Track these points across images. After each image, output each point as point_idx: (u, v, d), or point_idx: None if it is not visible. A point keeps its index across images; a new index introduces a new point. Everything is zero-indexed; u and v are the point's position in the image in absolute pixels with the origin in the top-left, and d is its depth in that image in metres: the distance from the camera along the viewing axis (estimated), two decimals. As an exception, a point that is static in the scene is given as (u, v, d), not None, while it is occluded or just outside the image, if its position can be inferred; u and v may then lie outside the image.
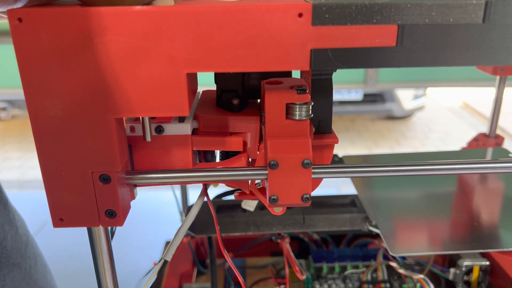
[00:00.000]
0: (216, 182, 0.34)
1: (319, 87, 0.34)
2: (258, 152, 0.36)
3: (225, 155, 0.38)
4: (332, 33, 0.26)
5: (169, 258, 0.37)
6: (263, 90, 0.33)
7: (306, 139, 0.31)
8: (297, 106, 0.31)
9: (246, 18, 0.26)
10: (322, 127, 0.35)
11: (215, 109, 0.36)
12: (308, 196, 0.32)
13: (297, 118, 0.31)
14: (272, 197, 0.32)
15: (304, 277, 0.54)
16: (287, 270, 0.56)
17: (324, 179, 0.35)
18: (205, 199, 0.39)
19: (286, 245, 0.58)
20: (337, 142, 0.35)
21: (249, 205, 0.54)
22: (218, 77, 0.37)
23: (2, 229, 0.44)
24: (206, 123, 0.35)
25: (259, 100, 0.38)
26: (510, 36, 0.27)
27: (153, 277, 0.38)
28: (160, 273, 0.63)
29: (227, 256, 0.40)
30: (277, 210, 0.35)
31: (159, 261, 0.38)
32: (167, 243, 0.72)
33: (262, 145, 0.35)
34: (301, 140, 0.31)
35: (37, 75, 0.26)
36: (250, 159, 0.37)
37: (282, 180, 0.31)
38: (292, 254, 0.57)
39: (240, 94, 0.37)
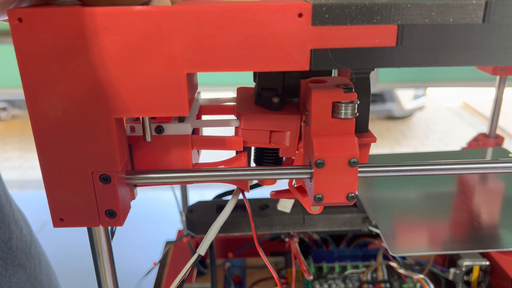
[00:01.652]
0: (222, 182, 0.34)
1: (357, 86, 0.34)
2: (297, 151, 0.36)
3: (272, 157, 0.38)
4: (332, 33, 0.26)
5: (202, 252, 0.38)
6: (308, 88, 0.33)
7: (352, 138, 0.31)
8: (343, 105, 0.31)
9: (246, 18, 0.26)
10: (359, 126, 0.35)
11: (255, 107, 0.37)
12: (353, 194, 0.32)
13: (342, 116, 0.31)
14: (317, 196, 0.31)
15: (311, 277, 0.54)
16: (294, 270, 0.56)
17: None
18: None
19: (295, 244, 0.57)
20: (374, 141, 0.35)
21: (285, 206, 0.53)
22: (259, 75, 0.37)
23: (8, 229, 0.44)
24: (247, 121, 0.35)
25: (295, 99, 0.38)
26: (510, 36, 0.27)
27: (185, 273, 0.38)
28: (160, 274, 0.63)
29: (264, 256, 0.40)
30: (315, 209, 0.35)
31: (194, 255, 0.38)
32: (167, 243, 0.72)
33: (301, 144, 0.35)
34: (348, 139, 0.31)
35: (37, 75, 0.26)
36: (284, 158, 0.37)
37: (328, 179, 0.31)
38: (300, 253, 0.56)
39: (280, 92, 0.37)
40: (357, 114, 0.32)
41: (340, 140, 0.31)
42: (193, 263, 0.38)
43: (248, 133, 0.35)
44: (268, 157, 0.38)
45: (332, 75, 0.37)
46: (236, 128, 0.36)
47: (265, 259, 0.41)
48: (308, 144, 0.33)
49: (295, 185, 0.37)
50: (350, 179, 0.31)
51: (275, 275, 0.43)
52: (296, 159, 0.36)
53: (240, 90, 0.41)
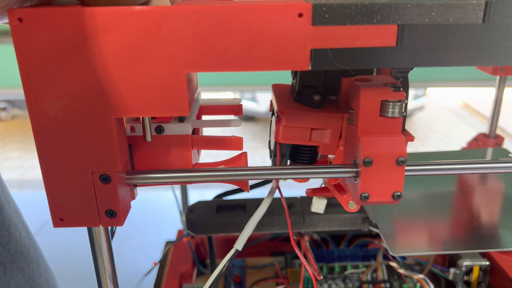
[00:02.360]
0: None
1: None
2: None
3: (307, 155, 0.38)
4: (332, 33, 0.26)
5: (240, 247, 0.40)
6: (355, 87, 0.33)
7: (400, 137, 0.31)
8: (392, 104, 0.31)
9: (246, 18, 0.26)
10: None
11: (295, 105, 0.37)
12: (399, 193, 0.32)
13: (390, 115, 0.31)
14: (364, 195, 0.32)
15: (321, 277, 0.54)
16: (303, 269, 0.55)
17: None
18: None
19: (306, 243, 0.57)
20: (412, 140, 0.35)
21: (318, 208, 0.54)
22: (301, 73, 0.37)
23: (8, 231, 0.43)
24: (289, 118, 0.35)
25: (333, 97, 0.38)
26: (510, 36, 0.27)
27: (223, 268, 0.40)
28: (160, 274, 0.63)
29: (300, 254, 0.40)
30: (352, 207, 0.35)
31: (231, 250, 0.40)
32: (167, 243, 0.72)
33: (341, 142, 0.35)
34: (396, 138, 0.31)
35: (37, 75, 0.26)
36: (319, 156, 0.37)
37: (375, 177, 0.31)
38: (311, 253, 0.56)
39: (321, 90, 0.37)
40: (404, 113, 0.32)
41: (388, 139, 0.31)
42: (230, 257, 0.40)
43: (289, 130, 0.36)
44: (304, 155, 0.38)
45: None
46: (277, 125, 0.36)
47: (301, 257, 0.42)
48: (353, 142, 0.33)
49: (324, 185, 0.37)
50: (397, 178, 0.31)
51: (310, 270, 0.44)
52: (336, 157, 0.36)
53: (276, 87, 0.41)
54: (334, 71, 0.37)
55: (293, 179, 0.35)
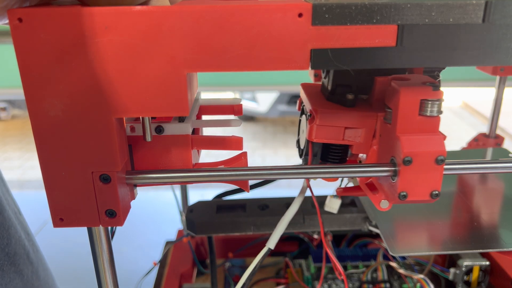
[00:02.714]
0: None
1: None
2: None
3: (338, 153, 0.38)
4: (332, 33, 0.26)
5: (272, 246, 0.40)
6: (392, 86, 0.33)
7: (440, 136, 0.32)
8: (431, 103, 0.31)
9: (246, 18, 0.26)
10: None
11: (329, 104, 0.37)
12: (437, 192, 0.32)
13: (428, 114, 0.31)
14: (402, 194, 0.32)
15: (342, 277, 0.54)
16: (323, 268, 0.55)
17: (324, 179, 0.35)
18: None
19: (328, 243, 0.58)
20: (445, 139, 0.36)
21: (332, 207, 0.54)
22: (335, 72, 0.37)
23: (7, 233, 0.43)
24: (323, 117, 0.35)
25: (365, 96, 0.38)
26: (510, 36, 0.27)
27: (256, 266, 0.40)
28: (160, 274, 0.63)
29: (330, 252, 0.40)
30: (384, 206, 0.35)
31: (263, 249, 0.40)
32: (167, 243, 0.72)
33: (375, 141, 0.35)
34: (435, 137, 0.32)
35: (37, 75, 0.26)
36: (350, 153, 0.37)
37: (414, 176, 0.31)
38: (333, 252, 0.56)
39: (354, 89, 0.37)
40: (442, 112, 0.32)
41: (428, 137, 0.32)
42: (262, 256, 0.40)
43: (323, 129, 0.36)
44: (335, 154, 0.38)
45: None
46: (310, 124, 0.36)
47: (330, 255, 0.42)
48: (390, 141, 0.33)
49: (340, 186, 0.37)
50: (436, 177, 0.31)
51: (340, 267, 0.44)
52: (368, 156, 0.36)
53: (306, 87, 0.41)
54: (367, 70, 0.37)
55: (324, 178, 0.35)
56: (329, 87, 0.37)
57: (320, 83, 0.41)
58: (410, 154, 0.31)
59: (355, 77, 0.37)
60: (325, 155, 0.38)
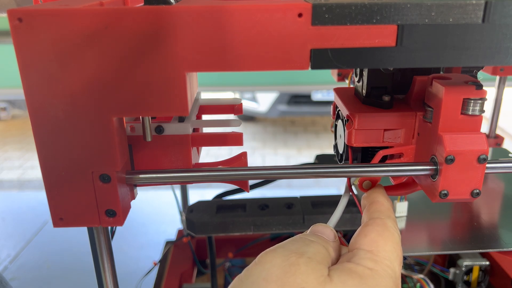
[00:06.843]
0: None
1: None
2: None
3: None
4: (332, 33, 0.26)
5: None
6: (434, 85, 0.33)
7: (482, 134, 0.32)
8: (473, 102, 0.31)
9: (246, 18, 0.26)
10: None
11: (365, 107, 0.37)
12: (478, 191, 0.32)
13: (470, 113, 0.31)
14: (443, 192, 0.32)
15: None
16: None
17: (325, 179, 0.35)
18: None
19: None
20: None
21: (401, 211, 0.53)
22: (369, 75, 0.37)
23: None
24: (361, 121, 0.35)
25: (401, 96, 0.38)
26: (510, 36, 0.27)
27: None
28: (160, 274, 0.63)
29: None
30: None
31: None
32: (167, 243, 0.72)
33: (414, 140, 0.35)
34: (478, 135, 0.32)
35: (37, 75, 0.26)
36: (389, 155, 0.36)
37: (456, 175, 0.31)
38: None
39: (389, 90, 0.37)
40: (484, 111, 0.32)
41: (470, 136, 0.31)
42: None
43: (362, 133, 0.35)
44: (373, 155, 0.38)
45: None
46: (348, 129, 0.36)
47: None
48: (431, 140, 0.33)
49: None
50: (477, 176, 0.31)
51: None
52: (405, 155, 0.36)
53: (339, 91, 0.41)
54: (403, 69, 0.37)
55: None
56: (364, 91, 0.37)
57: (348, 86, 0.40)
58: (453, 153, 0.31)
59: (390, 78, 0.36)
60: (365, 158, 0.38)
